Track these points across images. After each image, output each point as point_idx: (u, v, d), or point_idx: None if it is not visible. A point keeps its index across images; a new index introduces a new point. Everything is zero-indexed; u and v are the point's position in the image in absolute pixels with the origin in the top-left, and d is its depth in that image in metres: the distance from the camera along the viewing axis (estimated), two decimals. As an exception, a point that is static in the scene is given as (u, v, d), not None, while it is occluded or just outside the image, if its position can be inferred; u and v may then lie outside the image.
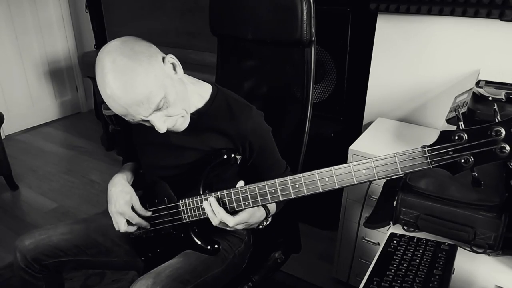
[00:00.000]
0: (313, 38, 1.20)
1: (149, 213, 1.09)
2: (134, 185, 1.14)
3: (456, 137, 0.69)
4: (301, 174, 0.85)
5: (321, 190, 0.83)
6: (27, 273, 1.13)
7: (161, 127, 0.92)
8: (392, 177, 0.79)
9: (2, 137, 2.60)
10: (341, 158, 1.63)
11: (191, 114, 1.02)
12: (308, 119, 1.25)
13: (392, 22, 1.68)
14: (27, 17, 3.34)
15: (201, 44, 2.51)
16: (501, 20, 1.44)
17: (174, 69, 0.95)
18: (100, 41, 3.22)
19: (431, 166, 0.72)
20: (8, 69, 3.31)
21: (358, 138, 1.65)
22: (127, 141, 1.23)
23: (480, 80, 1.28)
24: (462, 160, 0.69)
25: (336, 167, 0.81)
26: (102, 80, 0.86)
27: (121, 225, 1.09)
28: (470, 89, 1.22)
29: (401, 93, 1.78)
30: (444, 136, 0.71)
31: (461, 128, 0.70)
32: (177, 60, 0.95)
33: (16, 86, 3.41)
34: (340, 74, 1.89)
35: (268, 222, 1.06)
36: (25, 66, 3.43)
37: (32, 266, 1.12)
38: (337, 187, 0.81)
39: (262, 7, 1.24)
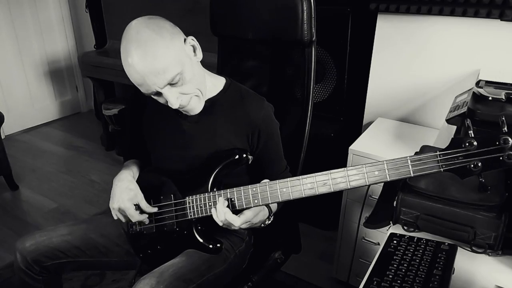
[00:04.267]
0: (314, 38, 1.20)
1: (155, 209, 1.09)
2: (137, 182, 1.13)
3: (467, 144, 0.74)
4: (313, 174, 0.86)
5: (333, 190, 0.85)
6: (27, 275, 1.13)
7: (174, 102, 0.95)
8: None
9: (2, 137, 2.60)
10: (341, 158, 1.63)
11: (205, 102, 1.05)
12: (308, 119, 1.25)
13: (392, 22, 1.68)
14: (27, 17, 3.34)
15: (201, 44, 2.50)
16: (501, 20, 1.44)
17: (194, 51, 0.99)
18: (100, 41, 3.22)
19: (441, 169, 0.76)
20: (8, 69, 3.31)
21: (358, 138, 1.66)
22: (133, 136, 1.23)
23: (480, 80, 1.27)
24: (472, 165, 0.74)
25: (349, 168, 0.83)
26: (125, 49, 0.91)
27: (122, 219, 1.10)
28: (470, 89, 1.22)
29: (401, 93, 1.78)
30: (455, 142, 0.75)
31: (471, 135, 0.74)
32: (197, 43, 1.00)
33: (16, 86, 3.40)
34: (340, 74, 1.89)
35: (270, 221, 1.06)
36: (25, 66, 3.43)
37: (32, 268, 1.12)
38: (349, 187, 0.84)
39: (262, 7, 1.24)
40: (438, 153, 0.76)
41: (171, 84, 0.93)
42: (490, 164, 0.73)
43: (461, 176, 0.75)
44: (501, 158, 0.71)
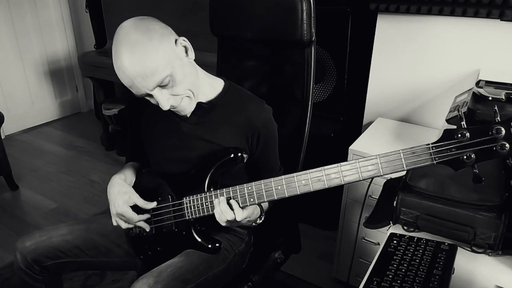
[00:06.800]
0: (313, 38, 1.20)
1: (153, 204, 1.08)
2: (134, 186, 1.14)
3: (459, 135, 0.73)
4: (308, 171, 0.86)
5: (327, 186, 0.85)
6: (27, 275, 1.13)
7: (164, 104, 0.95)
8: (397, 174, 0.80)
9: (2, 137, 2.60)
10: (341, 158, 1.63)
11: (204, 104, 1.05)
12: (308, 119, 1.25)
13: (392, 22, 1.68)
14: (27, 17, 3.34)
15: (201, 44, 2.49)
16: (501, 20, 1.44)
17: (186, 52, 0.98)
18: (100, 41, 3.22)
19: (434, 162, 0.75)
20: (8, 69, 3.31)
21: (358, 138, 1.66)
22: (132, 137, 1.23)
23: (480, 80, 1.27)
24: (465, 157, 0.73)
25: (342, 163, 0.83)
26: (114, 51, 0.91)
27: (122, 225, 1.10)
28: (470, 89, 1.22)
29: (401, 93, 1.78)
30: (448, 134, 0.74)
31: (463, 126, 0.73)
32: (189, 44, 0.98)
33: (16, 86, 3.40)
34: (340, 74, 1.89)
35: (261, 220, 1.07)
36: (25, 66, 3.43)
37: (33, 268, 1.12)
38: (343, 183, 0.83)
39: (262, 7, 1.24)
40: (430, 145, 0.75)
41: (161, 86, 0.93)
42: (484, 155, 0.72)
43: (455, 168, 0.75)
44: (494, 148, 0.71)
